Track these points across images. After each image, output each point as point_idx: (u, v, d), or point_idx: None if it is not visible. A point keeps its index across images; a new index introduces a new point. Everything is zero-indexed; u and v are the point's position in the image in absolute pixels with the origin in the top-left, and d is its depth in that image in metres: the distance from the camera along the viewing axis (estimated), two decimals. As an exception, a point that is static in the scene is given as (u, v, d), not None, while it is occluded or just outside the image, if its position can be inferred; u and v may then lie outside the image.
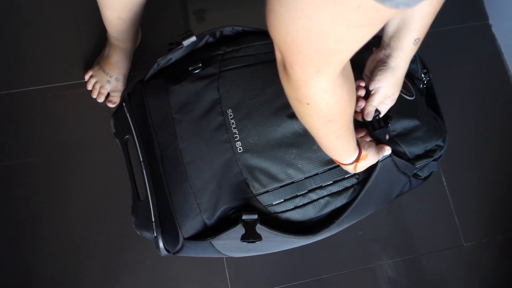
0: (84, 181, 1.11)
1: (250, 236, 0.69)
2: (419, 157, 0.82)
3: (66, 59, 1.17)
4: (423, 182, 0.89)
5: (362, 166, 0.70)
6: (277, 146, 0.75)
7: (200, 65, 0.79)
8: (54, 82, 1.16)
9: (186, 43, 0.79)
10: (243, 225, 0.69)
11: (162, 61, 0.82)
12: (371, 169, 0.74)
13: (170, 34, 1.20)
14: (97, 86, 1.10)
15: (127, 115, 0.83)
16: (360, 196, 0.75)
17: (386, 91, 0.73)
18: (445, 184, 1.15)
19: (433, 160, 0.87)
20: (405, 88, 0.85)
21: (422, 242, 1.12)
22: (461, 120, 1.22)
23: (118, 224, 1.08)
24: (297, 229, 0.76)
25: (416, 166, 0.82)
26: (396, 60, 0.70)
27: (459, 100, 1.23)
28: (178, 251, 0.78)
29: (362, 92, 0.74)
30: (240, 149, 0.74)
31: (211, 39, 0.85)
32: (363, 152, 0.68)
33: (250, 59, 0.81)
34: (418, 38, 0.68)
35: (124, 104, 0.84)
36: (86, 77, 1.11)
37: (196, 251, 0.79)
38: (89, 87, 1.11)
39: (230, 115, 0.76)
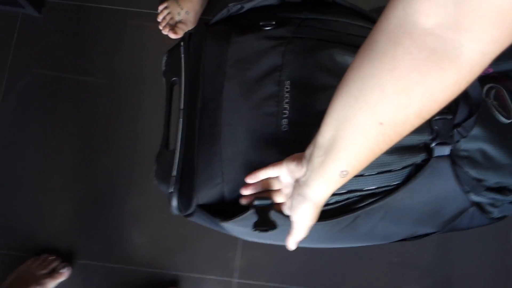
0: (131, 114, 1.08)
1: (263, 223, 0.60)
2: (488, 189, 0.68)
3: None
4: (490, 224, 0.74)
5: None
6: None
7: (274, 23, 0.69)
8: (132, 7, 1.13)
9: None
10: (255, 212, 0.60)
11: (234, 8, 0.73)
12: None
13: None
14: (168, 17, 1.08)
15: (182, 55, 0.76)
16: (400, 190, 0.63)
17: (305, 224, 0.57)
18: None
19: (510, 202, 0.71)
20: (502, 106, 0.69)
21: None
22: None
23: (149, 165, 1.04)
24: None
25: (484, 194, 0.68)
26: (313, 191, 0.53)
27: None
28: (189, 215, 0.71)
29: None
30: (285, 128, 0.64)
31: None
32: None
33: (330, 35, 0.69)
34: (347, 171, 0.49)
35: (182, 43, 0.76)
36: (160, 7, 1.08)
37: (207, 223, 0.72)
38: (160, 18, 1.08)
39: (287, 88, 0.65)
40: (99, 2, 1.15)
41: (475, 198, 0.69)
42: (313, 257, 1.00)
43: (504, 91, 0.72)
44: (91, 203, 1.06)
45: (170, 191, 0.71)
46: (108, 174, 1.07)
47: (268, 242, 0.76)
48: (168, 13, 1.09)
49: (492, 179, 0.67)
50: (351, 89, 0.43)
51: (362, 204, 0.66)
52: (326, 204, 0.66)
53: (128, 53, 1.12)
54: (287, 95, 0.65)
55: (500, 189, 0.69)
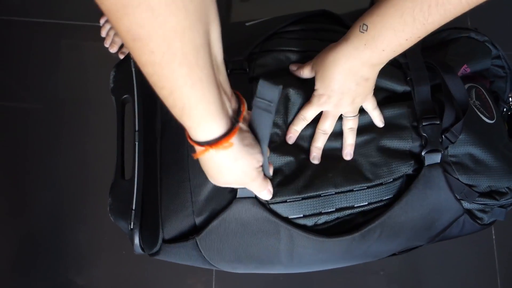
0: (75, 141, 0.95)
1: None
2: (480, 195, 0.64)
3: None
4: (480, 230, 0.70)
5: (215, 163, 0.44)
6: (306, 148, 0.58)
7: None
8: (69, 19, 1.00)
9: None
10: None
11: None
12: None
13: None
14: (111, 33, 0.95)
15: (132, 69, 0.66)
16: (395, 206, 0.58)
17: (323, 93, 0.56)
18: (494, 237, 0.95)
19: (500, 206, 0.68)
20: (484, 106, 0.66)
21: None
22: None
23: (102, 197, 0.91)
24: None
25: (477, 200, 0.64)
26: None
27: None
28: (154, 254, 0.61)
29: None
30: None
31: None
32: (233, 138, 0.41)
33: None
34: (365, 25, 0.49)
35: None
36: (101, 21, 0.96)
37: (178, 257, 0.62)
38: (103, 33, 0.96)
39: None
40: (27, 15, 1.01)
41: (467, 205, 0.65)
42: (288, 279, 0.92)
43: (483, 90, 0.69)
44: (30, 247, 0.91)
45: (130, 227, 0.60)
46: (50, 212, 0.92)
47: (246, 266, 0.66)
48: (111, 28, 0.96)
49: (484, 183, 0.64)
50: None
51: (354, 224, 0.60)
52: (315, 225, 0.59)
53: (65, 73, 0.99)
54: None
55: (490, 194, 0.65)
